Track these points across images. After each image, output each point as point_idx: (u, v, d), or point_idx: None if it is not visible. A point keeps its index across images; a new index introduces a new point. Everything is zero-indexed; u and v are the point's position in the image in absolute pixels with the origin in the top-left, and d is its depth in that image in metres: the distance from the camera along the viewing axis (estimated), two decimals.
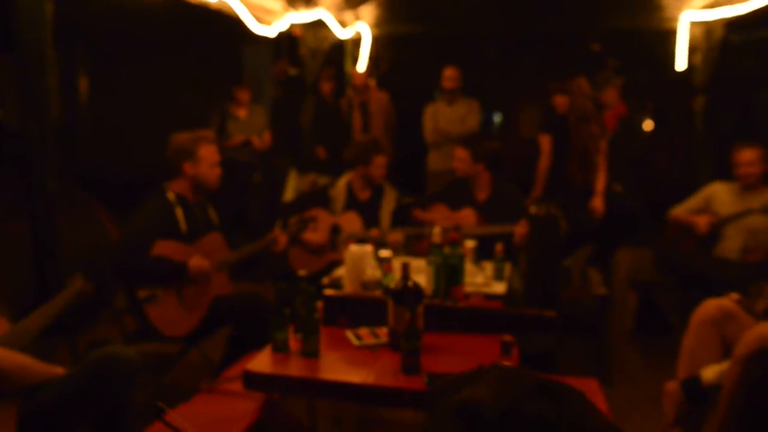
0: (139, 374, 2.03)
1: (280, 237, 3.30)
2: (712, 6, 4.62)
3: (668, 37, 5.29)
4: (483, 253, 3.36)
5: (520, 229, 3.52)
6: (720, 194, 3.75)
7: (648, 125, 5.45)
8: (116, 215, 4.30)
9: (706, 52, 4.92)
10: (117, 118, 6.87)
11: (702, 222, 3.67)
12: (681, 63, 5.10)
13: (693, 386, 2.26)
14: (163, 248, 2.85)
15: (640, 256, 3.94)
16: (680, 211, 3.84)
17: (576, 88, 4.15)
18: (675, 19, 4.96)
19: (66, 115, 7.20)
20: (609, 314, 3.97)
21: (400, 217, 4.04)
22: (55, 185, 2.44)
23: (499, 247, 3.24)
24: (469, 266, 3.19)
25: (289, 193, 5.33)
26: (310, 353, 2.09)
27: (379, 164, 3.92)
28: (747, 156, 3.65)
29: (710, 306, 2.29)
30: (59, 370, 1.88)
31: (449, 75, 5.52)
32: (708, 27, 4.89)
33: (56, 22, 2.40)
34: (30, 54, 2.32)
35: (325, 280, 3.14)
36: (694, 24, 4.93)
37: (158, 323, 2.83)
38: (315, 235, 3.94)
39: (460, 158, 3.87)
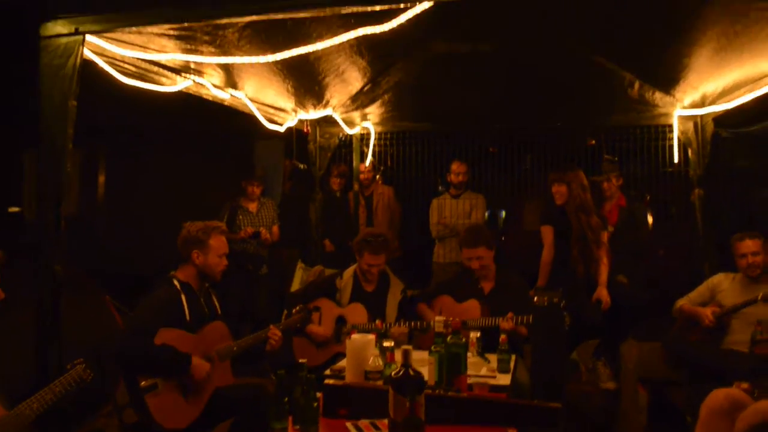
0: None
1: (274, 334, 3.25)
2: (701, 103, 4.82)
3: (663, 131, 5.49)
4: (489, 345, 3.32)
5: (506, 324, 3.48)
6: (725, 285, 3.75)
7: (649, 217, 5.53)
8: (126, 307, 4.33)
9: (699, 147, 5.09)
10: (132, 212, 7.07)
11: (707, 313, 3.65)
12: (675, 157, 5.27)
13: None
14: (167, 336, 2.85)
15: (647, 349, 3.88)
16: (685, 302, 3.82)
17: (573, 179, 4.26)
18: (668, 115, 5.17)
19: (84, 210, 7.43)
20: (620, 409, 3.85)
21: (406, 310, 4.03)
22: (61, 272, 2.50)
23: (503, 338, 3.22)
24: (473, 358, 3.16)
25: (296, 285, 5.36)
26: None
27: (368, 261, 3.93)
28: (749, 246, 3.68)
29: (719, 396, 2.24)
30: None
31: (456, 169, 5.70)
32: (699, 122, 5.08)
33: (80, 122, 2.56)
34: (51, 146, 2.46)
35: (327, 372, 3.10)
36: (686, 119, 5.13)
37: (158, 415, 2.78)
38: (320, 327, 3.92)
39: (483, 257, 3.83)
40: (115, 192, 7.20)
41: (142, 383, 2.76)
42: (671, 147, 5.37)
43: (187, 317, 3.01)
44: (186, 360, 2.84)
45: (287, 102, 4.91)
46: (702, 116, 5.01)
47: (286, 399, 2.12)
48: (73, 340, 2.83)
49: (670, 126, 5.30)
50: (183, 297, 3.04)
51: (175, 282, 3.08)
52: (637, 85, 4.79)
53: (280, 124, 5.06)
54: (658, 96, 4.91)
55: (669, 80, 4.63)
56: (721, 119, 4.93)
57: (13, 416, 1.87)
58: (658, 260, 5.69)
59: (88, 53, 2.81)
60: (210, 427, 3.02)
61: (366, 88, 5.08)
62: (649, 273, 5.02)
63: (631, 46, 4.26)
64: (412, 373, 2.12)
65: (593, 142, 5.65)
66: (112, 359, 2.82)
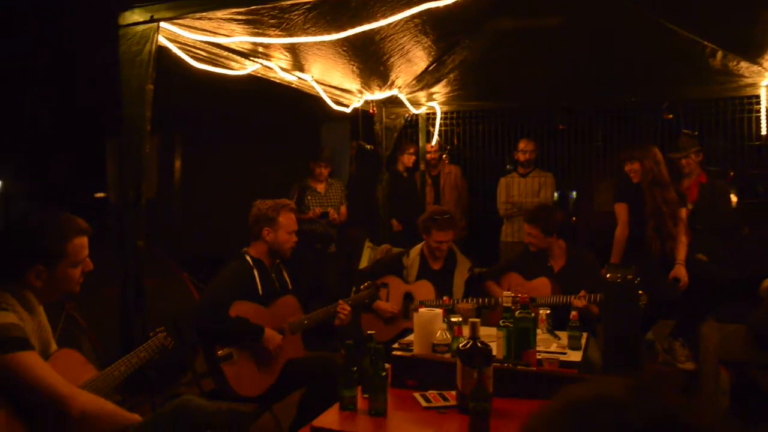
0: (209, 421, 2.09)
1: (343, 309, 3.31)
2: None
3: (748, 103, 5.16)
4: (559, 323, 3.27)
5: (578, 302, 3.42)
6: None
7: (733, 194, 5.23)
8: (203, 284, 4.54)
9: None
10: (206, 195, 7.36)
11: None
12: (763, 129, 4.95)
13: None
14: (241, 309, 2.97)
15: (730, 331, 3.68)
16: None
17: (645, 155, 4.08)
18: (755, 85, 4.85)
19: (162, 194, 7.81)
20: (699, 392, 3.69)
21: (473, 287, 4.02)
22: (143, 247, 2.64)
23: (574, 315, 3.15)
24: (543, 335, 3.12)
25: (364, 264, 5.42)
26: (377, 412, 2.09)
27: (437, 239, 3.94)
28: None
29: None
30: (136, 418, 1.97)
31: (524, 147, 5.60)
32: None
33: (157, 110, 2.69)
34: (131, 128, 2.60)
35: (397, 345, 3.14)
36: None
37: (233, 382, 2.91)
38: (388, 304, 3.97)
39: (532, 234, 3.84)
40: (191, 176, 7.52)
41: (219, 352, 2.89)
42: (758, 119, 5.05)
43: (260, 291, 3.12)
44: (259, 331, 2.95)
45: (353, 83, 4.95)
46: None
47: (355, 369, 2.17)
48: (155, 314, 3.00)
49: (757, 97, 4.99)
50: (255, 272, 3.15)
51: (248, 258, 3.19)
52: (719, 54, 4.52)
53: (347, 106, 5.10)
54: (744, 65, 4.61)
55: (756, 48, 4.34)
56: None
57: (102, 377, 2.01)
58: (742, 239, 5.37)
59: (162, 40, 2.94)
60: (282, 396, 3.13)
61: (431, 68, 5.04)
62: (732, 252, 4.76)
63: (713, 13, 4.02)
64: (480, 345, 2.12)
65: (671, 116, 5.38)
66: (191, 330, 2.97)
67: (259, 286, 3.13)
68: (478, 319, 2.19)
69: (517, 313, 2.56)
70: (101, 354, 2.96)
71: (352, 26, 3.28)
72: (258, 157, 7.11)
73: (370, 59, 4.45)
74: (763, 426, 3.21)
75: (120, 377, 2.07)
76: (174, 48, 3.05)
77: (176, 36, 3.03)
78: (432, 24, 3.97)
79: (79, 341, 3.64)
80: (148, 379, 2.61)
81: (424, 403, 2.19)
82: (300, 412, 3.02)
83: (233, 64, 3.57)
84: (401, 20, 3.46)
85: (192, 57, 3.16)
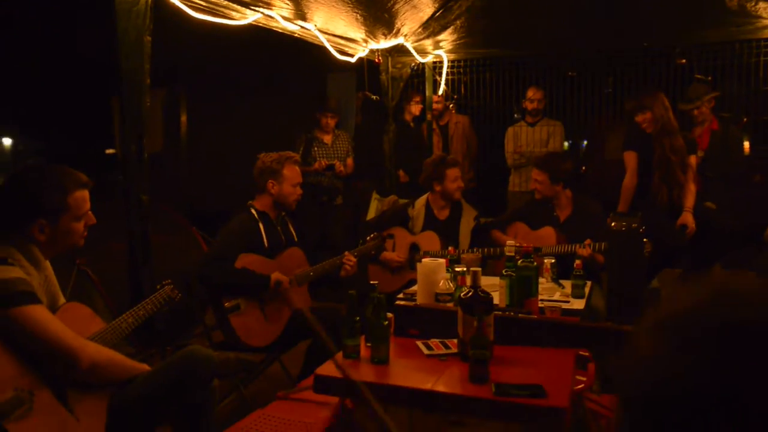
0: (217, 371, 2.15)
1: (349, 260, 3.34)
2: None
3: (766, 47, 4.99)
4: (565, 272, 3.28)
5: (583, 251, 3.42)
6: None
7: (746, 141, 5.12)
8: (210, 238, 4.58)
9: None
10: (212, 149, 7.34)
11: None
12: None
13: None
14: (247, 261, 3.00)
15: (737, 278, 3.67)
16: None
17: (653, 102, 3.98)
18: None
19: (168, 148, 7.79)
20: None
21: (479, 237, 4.03)
22: (148, 200, 2.66)
23: (577, 263, 3.16)
24: (548, 284, 3.14)
25: (371, 216, 5.44)
26: (380, 360, 2.13)
27: (453, 177, 3.94)
28: None
29: None
30: (145, 367, 2.03)
31: (532, 96, 5.50)
32: None
33: (160, 64, 2.65)
34: (130, 81, 2.58)
35: (401, 296, 3.17)
36: None
37: (241, 333, 2.97)
38: (394, 254, 4.00)
39: (538, 180, 3.83)
40: (197, 130, 7.49)
41: (226, 304, 2.94)
42: None
43: (266, 244, 3.15)
44: (265, 279, 2.99)
45: (357, 32, 4.84)
46: None
47: (358, 318, 2.20)
48: (165, 268, 3.04)
49: None
50: (261, 225, 3.17)
51: (253, 211, 3.21)
52: None
53: (351, 56, 5.01)
54: (762, 6, 4.42)
55: None
56: None
57: (110, 329, 2.06)
58: (753, 186, 5.30)
59: None
60: (290, 345, 3.20)
61: (437, 14, 4.91)
62: (743, 199, 4.70)
63: None
64: (481, 294, 2.14)
65: (683, 61, 5.22)
66: (197, 280, 3.01)
67: (265, 239, 3.16)
68: (479, 269, 2.20)
69: (519, 262, 2.57)
70: (112, 307, 3.03)
71: None
72: (264, 108, 7.05)
73: (374, 6, 4.34)
74: None
75: (128, 329, 2.11)
76: None
77: None
78: None
79: (91, 295, 3.72)
80: (157, 332, 2.68)
81: (426, 351, 2.23)
82: (307, 362, 3.09)
83: (233, 13, 3.49)
84: None
85: (190, 7, 3.10)
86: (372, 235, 3.70)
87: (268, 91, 7.08)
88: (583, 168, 6.60)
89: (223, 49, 5.25)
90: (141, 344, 2.86)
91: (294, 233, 3.40)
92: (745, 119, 5.25)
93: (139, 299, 2.40)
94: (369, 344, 2.21)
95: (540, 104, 5.49)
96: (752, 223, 3.75)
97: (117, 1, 2.58)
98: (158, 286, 2.40)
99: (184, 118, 7.58)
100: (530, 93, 5.51)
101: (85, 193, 2.02)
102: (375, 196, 5.51)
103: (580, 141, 7.16)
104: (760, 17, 4.60)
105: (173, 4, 2.97)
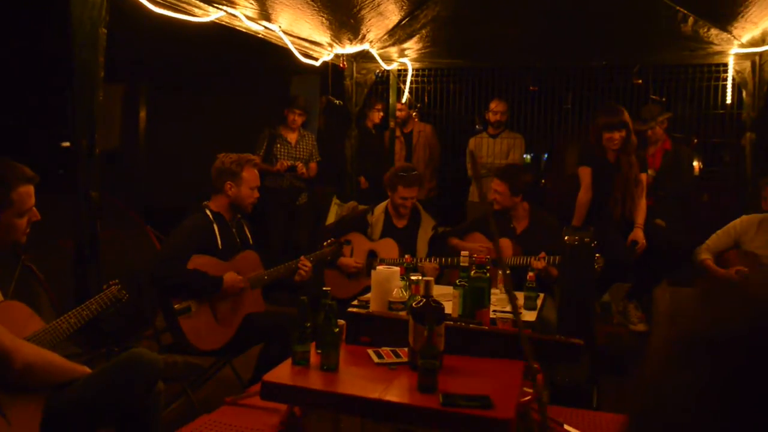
0: (162, 375, 2.09)
1: (304, 265, 3.31)
2: (761, 40, 4.52)
3: (716, 71, 5.19)
4: (520, 284, 3.32)
5: (538, 264, 3.48)
6: (750, 232, 3.53)
7: (696, 162, 5.31)
8: (165, 237, 4.48)
9: (755, 88, 4.80)
10: (172, 146, 7.19)
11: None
12: (728, 98, 5.01)
13: None
14: (199, 262, 2.94)
15: (683, 295, 3.79)
16: (708, 257, 3.64)
17: (627, 120, 4.04)
18: (724, 53, 4.87)
19: (126, 145, 7.60)
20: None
21: (437, 246, 4.05)
22: (98, 197, 2.58)
23: (530, 275, 3.21)
24: (501, 295, 3.16)
25: (331, 221, 5.41)
26: (329, 368, 2.11)
27: (403, 194, 3.94)
28: None
29: None
30: (86, 370, 1.96)
31: (495, 108, 5.57)
32: (757, 61, 4.78)
33: (119, 58, 2.58)
34: (83, 73, 2.50)
35: (356, 302, 3.16)
36: (742, 58, 4.83)
37: (191, 336, 2.91)
38: (351, 260, 3.98)
39: (498, 191, 3.87)
40: (156, 127, 7.33)
41: (176, 306, 2.88)
42: (724, 87, 5.10)
43: (219, 245, 3.09)
44: (218, 281, 2.93)
45: (323, 36, 4.83)
46: (761, 54, 4.71)
47: (309, 324, 2.18)
48: (116, 267, 2.96)
49: (725, 65, 5.02)
50: (215, 226, 3.11)
51: (207, 212, 3.15)
52: (691, 20, 4.51)
53: (316, 59, 4.99)
54: (714, 33, 4.61)
55: (727, 16, 4.34)
56: None
57: (50, 330, 1.98)
58: (702, 206, 5.49)
59: None
60: (242, 349, 3.15)
61: (404, 22, 4.94)
62: (691, 218, 4.86)
63: None
64: (432, 303, 2.14)
65: (640, 81, 5.39)
66: (151, 283, 2.94)
67: (219, 241, 3.10)
68: (431, 278, 2.21)
69: (472, 272, 2.59)
70: (58, 306, 2.93)
71: None
72: (226, 108, 6.95)
73: (340, 10, 4.34)
74: None
75: (69, 329, 2.04)
76: None
77: None
78: None
79: (37, 293, 3.59)
80: (104, 333, 2.59)
81: (376, 359, 2.22)
82: (258, 367, 3.04)
83: (195, 10, 3.44)
84: None
85: (150, 1, 3.03)
86: (329, 241, 3.68)
87: (231, 90, 6.98)
88: (543, 181, 6.72)
89: (186, 46, 5.16)
90: (88, 345, 2.77)
91: (249, 236, 3.35)
92: (695, 140, 5.44)
93: (85, 299, 2.33)
94: (319, 351, 2.19)
95: (503, 116, 5.57)
96: (700, 241, 3.87)
97: None
98: (104, 286, 2.34)
99: (143, 115, 7.41)
100: (493, 105, 5.58)
101: (29, 189, 1.94)
102: (335, 201, 5.48)
103: (542, 154, 7.30)
104: (712, 43, 4.79)
105: None
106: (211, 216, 3.13)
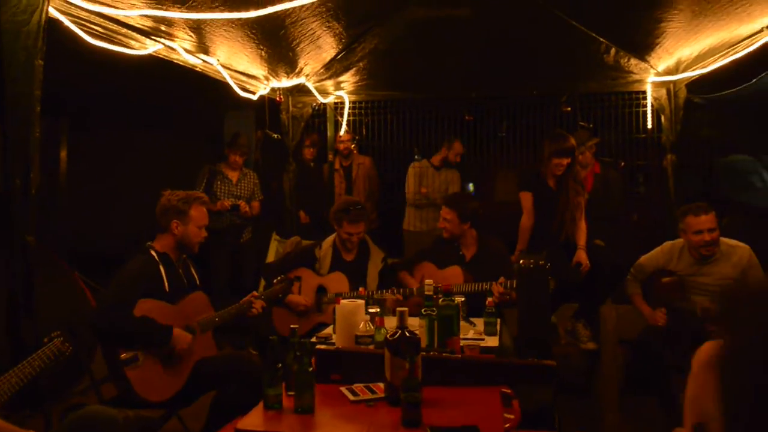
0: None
1: (256, 302, 3.18)
2: (675, 69, 4.86)
3: (637, 98, 5.53)
4: (472, 310, 3.32)
5: (499, 289, 3.52)
6: (674, 260, 3.68)
7: (623, 183, 5.61)
8: (93, 284, 4.17)
9: (672, 113, 5.15)
10: (96, 188, 6.79)
11: (656, 318, 3.58)
12: (648, 123, 5.34)
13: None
14: (146, 307, 2.74)
15: (623, 311, 3.92)
16: (637, 293, 3.78)
17: (574, 146, 4.18)
18: (642, 81, 5.20)
19: (46, 185, 7.08)
20: (600, 370, 3.90)
21: (387, 278, 4.00)
22: (33, 241, 2.36)
23: (489, 301, 3.22)
24: (461, 323, 3.15)
25: (272, 257, 5.25)
26: (305, 410, 2.00)
27: (348, 230, 3.90)
28: (704, 222, 3.39)
29: (709, 348, 2.26)
30: None
31: (458, 150, 5.75)
32: (672, 89, 5.13)
33: (42, 93, 2.40)
34: (16, 107, 2.30)
35: (314, 340, 3.04)
36: (659, 85, 5.18)
37: (139, 387, 2.69)
38: (300, 297, 3.86)
39: (447, 219, 3.88)
40: (79, 166, 6.91)
41: (122, 356, 2.66)
42: (645, 113, 5.43)
43: (166, 288, 2.91)
44: (167, 331, 2.75)
45: (259, 69, 4.75)
46: (675, 82, 5.06)
47: (280, 365, 2.06)
48: (44, 316, 2.70)
49: (644, 92, 5.36)
50: (161, 267, 2.93)
51: (152, 252, 2.96)
52: (613, 51, 4.80)
53: (253, 93, 4.90)
54: (633, 62, 4.93)
55: (644, 46, 4.64)
56: (693, 85, 4.99)
57: None
58: (633, 225, 5.78)
59: (53, 11, 2.64)
60: (194, 398, 2.95)
61: (340, 56, 4.96)
62: (625, 237, 5.09)
63: (608, 12, 4.25)
64: (408, 334, 2.09)
65: (569, 109, 5.66)
66: (86, 333, 2.70)
67: (166, 283, 2.91)
68: (405, 308, 2.15)
69: (440, 301, 2.56)
70: None
71: (263, 5, 3.12)
72: (157, 145, 6.66)
73: (280, 44, 4.30)
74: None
75: (10, 390, 1.83)
76: (66, 21, 2.75)
77: (69, 8, 2.73)
78: (344, 9, 3.89)
79: None
80: (40, 389, 2.34)
81: (351, 397, 2.13)
82: (212, 416, 2.85)
83: (133, 42, 3.29)
84: (314, 2, 3.34)
85: (87, 32, 2.87)
86: (279, 278, 3.55)
87: (162, 126, 6.71)
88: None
89: (113, 78, 4.92)
90: (11, 407, 2.49)
91: (196, 276, 3.18)
92: (623, 164, 5.73)
93: (22, 355, 2.11)
94: (291, 393, 2.07)
95: (458, 158, 5.74)
96: (634, 259, 4.02)
97: (4, 19, 2.32)
98: (46, 339, 2.13)
99: (63, 154, 6.96)
100: (457, 146, 5.76)
101: None
102: (275, 237, 5.34)
103: (466, 184, 7.46)
104: (631, 72, 5.10)
105: (67, 27, 2.73)
106: (156, 257, 2.95)
